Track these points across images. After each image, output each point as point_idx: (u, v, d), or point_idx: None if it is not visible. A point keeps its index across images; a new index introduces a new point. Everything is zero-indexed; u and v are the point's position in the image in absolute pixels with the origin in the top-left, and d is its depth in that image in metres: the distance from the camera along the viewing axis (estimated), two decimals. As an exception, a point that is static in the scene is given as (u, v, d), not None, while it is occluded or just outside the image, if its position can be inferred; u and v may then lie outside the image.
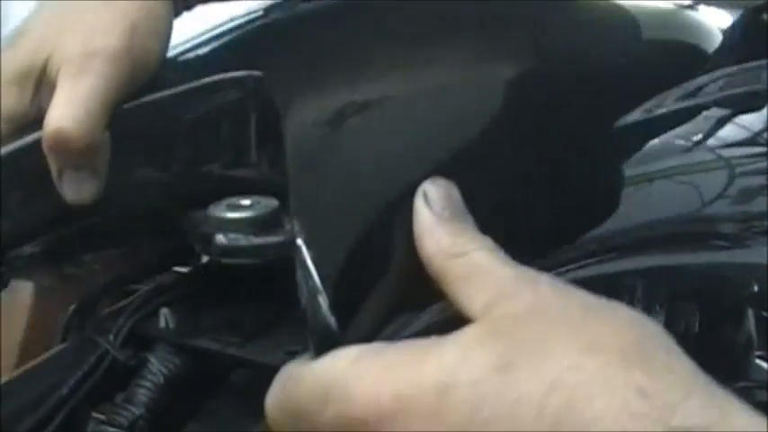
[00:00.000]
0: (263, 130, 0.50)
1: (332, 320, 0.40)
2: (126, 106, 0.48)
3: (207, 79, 0.50)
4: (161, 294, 0.59)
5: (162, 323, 0.57)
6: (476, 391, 0.35)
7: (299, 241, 0.41)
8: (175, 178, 0.51)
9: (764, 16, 0.66)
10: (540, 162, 0.50)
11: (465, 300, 0.39)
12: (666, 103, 0.55)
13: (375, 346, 0.39)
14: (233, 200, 0.47)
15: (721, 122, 0.58)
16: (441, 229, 0.41)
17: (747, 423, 0.34)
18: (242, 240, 0.45)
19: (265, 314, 0.58)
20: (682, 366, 0.36)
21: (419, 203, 0.42)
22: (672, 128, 0.57)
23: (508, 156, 0.49)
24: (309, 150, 0.45)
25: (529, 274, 0.40)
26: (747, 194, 0.58)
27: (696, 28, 0.63)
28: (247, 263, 0.45)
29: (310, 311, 0.41)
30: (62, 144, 0.46)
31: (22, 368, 0.56)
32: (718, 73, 0.59)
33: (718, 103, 0.58)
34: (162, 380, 0.55)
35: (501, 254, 0.41)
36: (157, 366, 0.55)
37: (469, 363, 0.36)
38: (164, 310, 0.57)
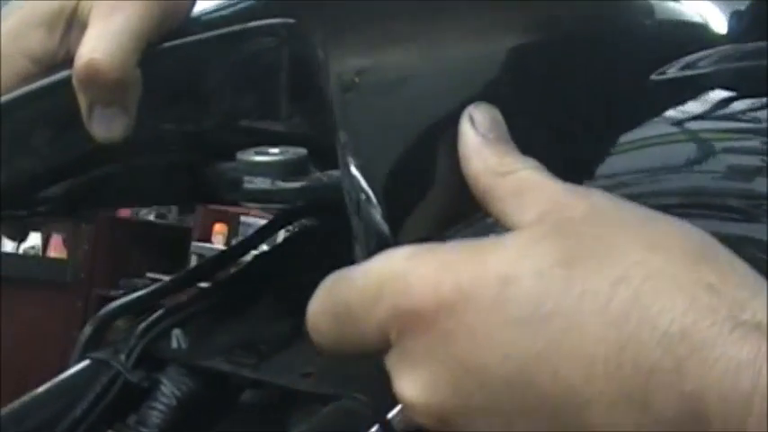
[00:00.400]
0: (296, 79, 0.49)
1: (385, 227, 0.40)
2: (156, 48, 0.47)
3: (239, 26, 0.49)
4: (173, 314, 0.58)
5: (174, 344, 0.57)
6: (540, 284, 0.35)
7: (349, 157, 0.41)
8: (203, 125, 0.50)
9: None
10: (541, 127, 0.49)
11: (516, 215, 0.38)
12: (669, 72, 0.54)
13: (430, 245, 0.38)
14: (261, 148, 0.46)
15: (724, 99, 0.57)
16: (487, 149, 0.41)
17: None
18: (269, 184, 0.44)
19: (279, 334, 0.57)
20: (745, 268, 0.35)
21: (465, 126, 0.41)
22: (671, 98, 0.55)
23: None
24: (354, 69, 0.44)
25: (580, 187, 0.39)
26: (750, 171, 0.57)
27: (702, 11, 0.62)
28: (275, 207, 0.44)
29: (361, 222, 0.40)
30: (93, 76, 0.45)
31: (36, 390, 0.56)
32: (720, 48, 0.57)
33: (718, 77, 0.56)
34: (175, 402, 0.55)
35: (548, 173, 0.40)
36: (170, 388, 0.55)
37: (533, 256, 0.35)
38: (176, 331, 0.57)
